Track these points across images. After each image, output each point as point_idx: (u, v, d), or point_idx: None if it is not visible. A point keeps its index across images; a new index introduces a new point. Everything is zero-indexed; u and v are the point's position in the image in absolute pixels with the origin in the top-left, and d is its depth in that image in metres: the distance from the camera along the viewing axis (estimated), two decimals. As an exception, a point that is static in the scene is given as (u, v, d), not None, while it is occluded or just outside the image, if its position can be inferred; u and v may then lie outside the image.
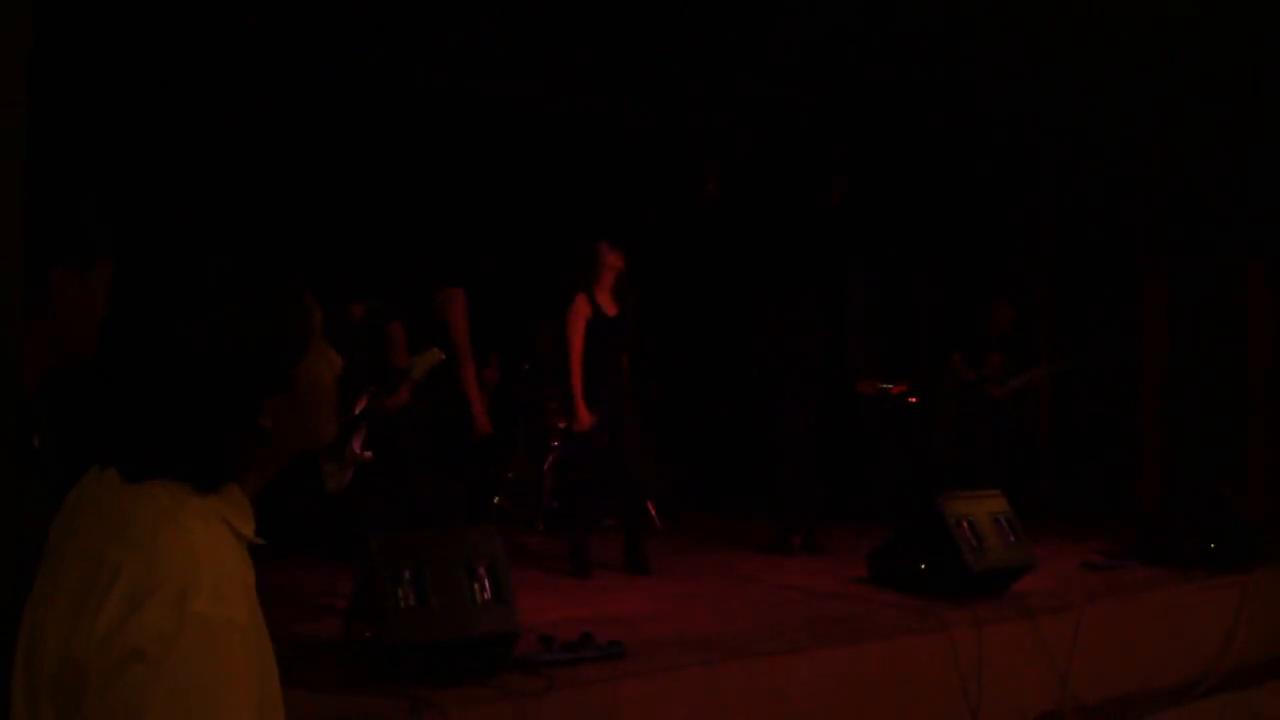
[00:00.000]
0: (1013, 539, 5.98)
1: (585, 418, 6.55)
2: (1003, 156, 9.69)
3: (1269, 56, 7.51)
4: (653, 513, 8.00)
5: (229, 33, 6.66)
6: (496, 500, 8.34)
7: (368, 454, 5.70)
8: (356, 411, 5.75)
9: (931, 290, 10.36)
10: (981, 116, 9.00)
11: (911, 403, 9.36)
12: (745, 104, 8.70)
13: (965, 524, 5.82)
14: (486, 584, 4.28)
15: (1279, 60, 7.49)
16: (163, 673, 1.16)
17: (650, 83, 8.17)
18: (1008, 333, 8.66)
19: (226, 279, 1.32)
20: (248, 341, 1.30)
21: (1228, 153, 8.53)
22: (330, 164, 7.66)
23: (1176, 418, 9.13)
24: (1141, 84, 8.18)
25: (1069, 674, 5.51)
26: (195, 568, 1.21)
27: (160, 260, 1.34)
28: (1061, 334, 9.73)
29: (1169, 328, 9.24)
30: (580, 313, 6.61)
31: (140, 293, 1.33)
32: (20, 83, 2.05)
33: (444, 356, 5.79)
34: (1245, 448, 8.65)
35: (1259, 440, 8.63)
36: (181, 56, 6.65)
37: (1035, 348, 9.32)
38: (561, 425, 8.52)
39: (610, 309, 6.72)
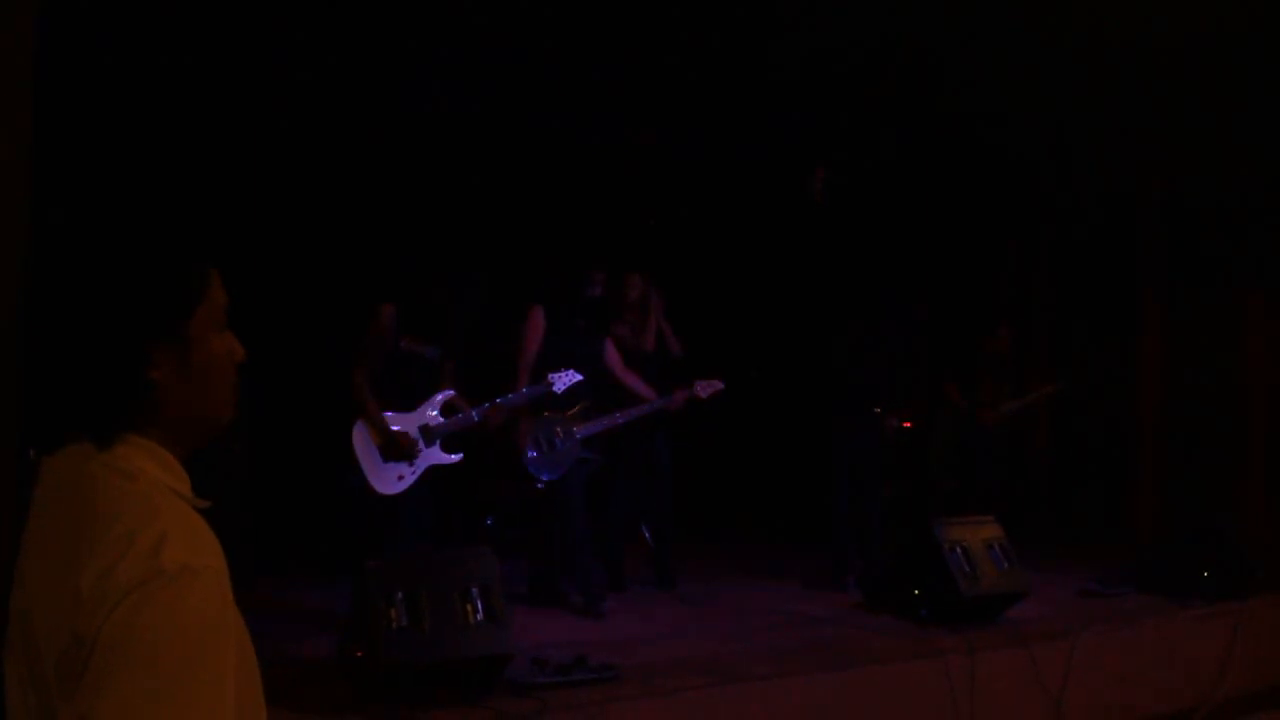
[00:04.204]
0: (1007, 565, 5.98)
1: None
2: (1001, 183, 9.72)
3: (1269, 88, 7.55)
4: (645, 536, 7.97)
5: (222, 42, 6.64)
6: (490, 521, 8.31)
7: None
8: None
9: (927, 315, 10.38)
10: (980, 143, 9.03)
11: (906, 428, 9.36)
12: (742, 119, 8.68)
13: (959, 550, 5.82)
14: (479, 605, 4.27)
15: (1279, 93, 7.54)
16: (153, 603, 1.19)
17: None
18: (1004, 359, 8.66)
19: (110, 242, 1.38)
20: (127, 291, 1.34)
21: (1228, 184, 8.56)
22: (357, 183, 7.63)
23: (1173, 445, 9.13)
24: (1142, 114, 8.22)
25: (1062, 702, 5.49)
26: (163, 526, 1.25)
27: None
28: (1058, 361, 9.74)
29: (1166, 355, 9.26)
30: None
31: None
32: (26, 97, 2.06)
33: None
34: (1242, 476, 8.66)
35: (1256, 469, 8.64)
36: (169, 71, 6.64)
37: (1031, 374, 9.32)
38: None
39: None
